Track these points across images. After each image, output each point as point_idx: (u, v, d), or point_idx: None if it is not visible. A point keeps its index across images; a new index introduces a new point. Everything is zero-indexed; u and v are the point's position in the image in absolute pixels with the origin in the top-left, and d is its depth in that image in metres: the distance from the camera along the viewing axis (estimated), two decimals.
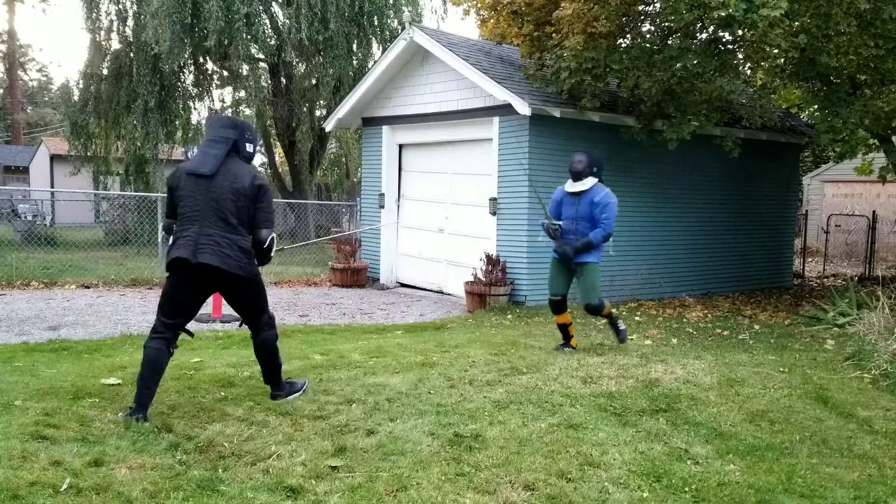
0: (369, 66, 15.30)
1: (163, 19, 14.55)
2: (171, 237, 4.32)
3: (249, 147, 4.41)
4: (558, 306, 6.35)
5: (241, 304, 4.45)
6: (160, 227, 12.24)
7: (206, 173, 4.18)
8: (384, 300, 10.54)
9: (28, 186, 29.23)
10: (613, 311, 6.69)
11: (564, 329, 6.49)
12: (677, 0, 7.91)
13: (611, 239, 6.29)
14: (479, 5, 10.83)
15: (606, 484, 3.46)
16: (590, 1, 8.74)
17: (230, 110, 21.65)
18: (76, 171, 19.11)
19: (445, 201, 11.06)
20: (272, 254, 4.39)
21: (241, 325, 4.67)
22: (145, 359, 4.17)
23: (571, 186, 6.27)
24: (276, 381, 4.64)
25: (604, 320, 6.92)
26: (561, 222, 6.24)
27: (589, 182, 6.19)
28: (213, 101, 19.37)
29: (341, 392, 4.78)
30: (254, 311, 4.47)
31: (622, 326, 6.68)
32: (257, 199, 4.26)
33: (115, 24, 17.49)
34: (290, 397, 4.61)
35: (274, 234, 4.36)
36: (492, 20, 10.67)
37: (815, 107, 10.11)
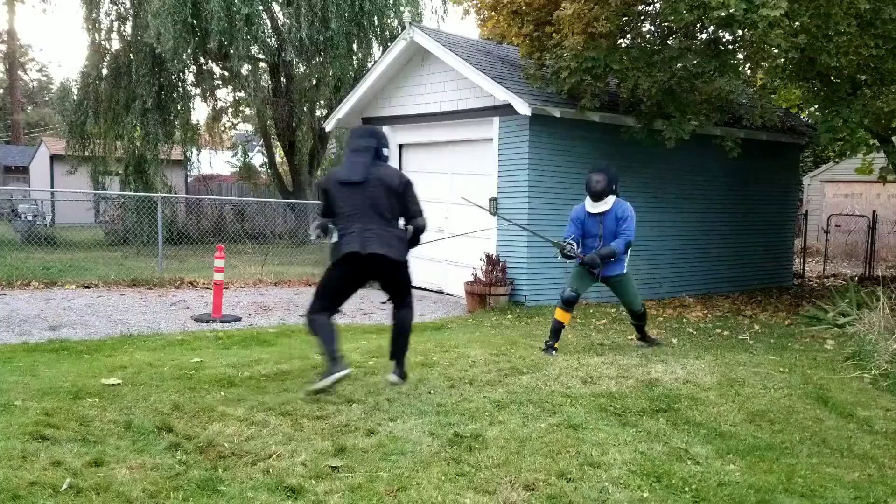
0: (369, 66, 15.30)
1: (164, 19, 14.56)
2: (336, 234, 4.94)
3: (386, 151, 5.08)
4: (570, 304, 6.38)
5: (397, 285, 5.12)
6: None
7: (358, 180, 4.82)
8: (384, 300, 10.53)
9: (28, 186, 29.22)
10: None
11: (559, 330, 6.43)
12: (677, 0, 7.91)
13: (631, 246, 6.35)
14: (479, 5, 10.82)
15: (606, 484, 3.46)
16: (590, 1, 8.74)
17: (230, 110, 21.67)
18: (73, 170, 19.11)
19: (446, 201, 11.05)
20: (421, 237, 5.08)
21: (385, 302, 5.31)
22: (320, 327, 4.88)
23: (593, 207, 6.30)
24: (400, 359, 5.13)
25: (638, 334, 6.99)
26: (570, 241, 6.32)
27: (610, 201, 6.25)
28: (213, 101, 19.39)
29: (341, 392, 4.78)
30: (405, 290, 5.16)
31: (653, 338, 7.00)
32: (406, 194, 4.94)
33: (115, 23, 17.49)
34: (396, 377, 5.05)
35: (427, 219, 5.06)
36: (492, 20, 10.66)
37: (815, 107, 10.11)
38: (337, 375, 4.69)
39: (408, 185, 4.97)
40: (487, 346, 6.58)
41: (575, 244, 6.32)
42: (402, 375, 5.10)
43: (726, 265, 12.04)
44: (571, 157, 10.03)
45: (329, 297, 5.01)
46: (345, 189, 4.84)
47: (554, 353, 6.27)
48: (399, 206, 4.91)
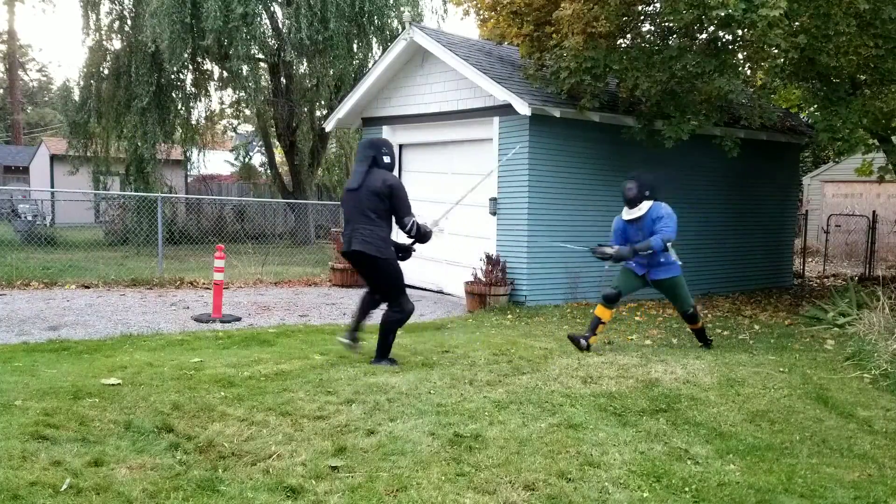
0: (369, 66, 15.29)
1: (161, 19, 14.55)
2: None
3: (386, 158, 5.57)
4: (610, 301, 6.42)
5: (378, 280, 5.60)
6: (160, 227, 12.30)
7: (354, 187, 5.47)
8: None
9: (28, 186, 29.23)
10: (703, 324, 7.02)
11: (596, 325, 6.46)
12: (677, 0, 7.91)
13: (671, 246, 6.35)
14: (478, 5, 10.82)
15: (606, 484, 3.46)
16: (590, 1, 8.74)
17: (230, 110, 21.65)
18: (74, 171, 19.11)
19: (445, 201, 11.02)
20: (423, 233, 5.54)
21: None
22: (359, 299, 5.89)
23: (628, 214, 6.37)
24: (380, 352, 5.64)
25: (699, 341, 7.00)
26: (600, 247, 6.42)
27: (645, 206, 6.29)
28: (212, 101, 19.39)
29: (341, 392, 4.78)
30: (389, 287, 5.59)
31: (710, 338, 7.01)
32: (391, 196, 5.38)
33: (115, 23, 17.49)
34: (381, 363, 5.58)
35: (415, 219, 5.46)
36: (492, 20, 10.66)
37: (815, 106, 10.10)
38: (341, 340, 5.87)
39: (392, 188, 5.41)
40: (487, 346, 6.58)
41: (613, 248, 6.37)
42: (380, 359, 5.62)
43: (726, 265, 12.03)
44: (571, 157, 10.03)
45: (365, 281, 5.87)
46: (346, 195, 5.56)
47: (584, 343, 6.30)
48: (389, 208, 5.43)
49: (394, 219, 5.52)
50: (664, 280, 6.46)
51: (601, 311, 6.46)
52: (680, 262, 6.53)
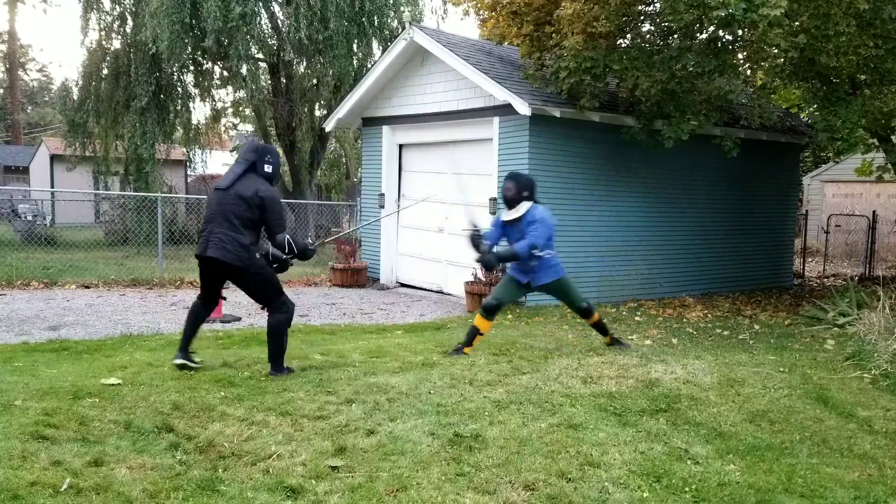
0: (369, 65, 15.30)
1: (161, 19, 14.54)
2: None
3: (268, 168, 5.22)
4: (489, 311, 6.16)
5: (248, 291, 5.31)
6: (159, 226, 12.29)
7: (223, 187, 5.12)
8: (384, 300, 10.54)
9: (28, 186, 29.22)
10: (603, 319, 6.69)
11: (474, 336, 6.22)
12: (677, 0, 7.91)
13: (547, 251, 6.05)
14: (478, 5, 10.82)
15: (606, 484, 3.46)
16: (590, 1, 8.74)
17: (230, 110, 21.62)
18: (72, 168, 19.12)
19: (445, 201, 11.05)
20: (301, 250, 5.22)
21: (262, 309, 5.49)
22: (189, 313, 5.43)
23: (507, 215, 6.14)
24: (275, 360, 5.30)
25: (599, 333, 6.77)
26: (482, 230, 6.09)
27: (523, 207, 6.04)
28: (212, 100, 19.38)
29: (341, 392, 4.78)
30: (260, 297, 5.32)
31: (625, 342, 6.75)
32: (262, 208, 5.03)
33: (115, 23, 17.48)
34: (281, 373, 5.25)
35: (288, 237, 5.15)
36: (491, 20, 10.67)
37: (815, 106, 10.11)
38: (175, 362, 5.25)
39: (264, 200, 5.03)
40: (487, 346, 6.58)
41: (488, 241, 6.07)
42: (279, 371, 5.26)
43: (726, 265, 12.03)
44: (571, 156, 10.03)
45: (202, 288, 5.45)
46: (212, 194, 5.22)
47: (461, 355, 6.06)
48: (256, 219, 5.06)
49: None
50: (550, 284, 6.19)
51: (480, 322, 6.19)
52: (562, 263, 6.26)
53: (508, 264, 6.39)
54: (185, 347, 5.32)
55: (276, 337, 5.29)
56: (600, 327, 6.65)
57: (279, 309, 5.29)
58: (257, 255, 5.10)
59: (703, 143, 10.21)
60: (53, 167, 27.17)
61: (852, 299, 8.54)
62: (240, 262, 5.02)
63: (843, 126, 8.67)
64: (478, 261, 6.16)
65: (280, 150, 21.40)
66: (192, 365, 5.28)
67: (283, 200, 17.56)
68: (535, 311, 9.21)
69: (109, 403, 4.35)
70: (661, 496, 3.38)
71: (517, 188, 6.05)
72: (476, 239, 6.06)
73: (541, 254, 6.02)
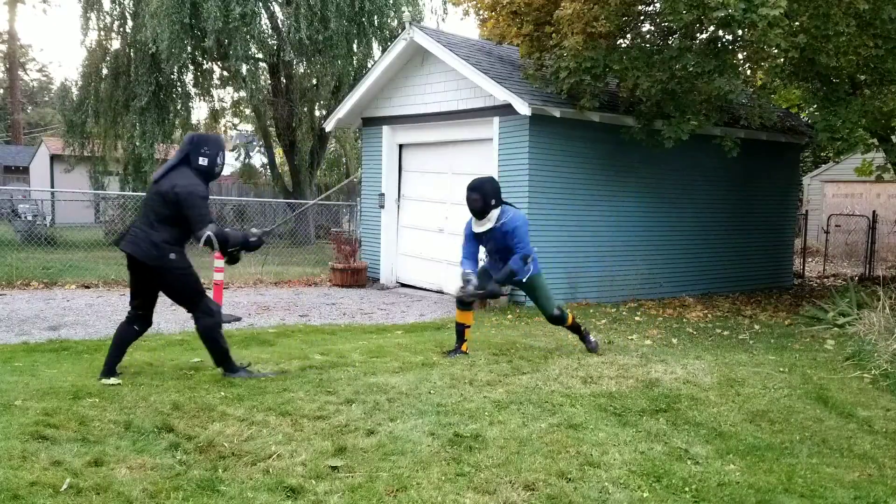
0: (369, 65, 15.30)
1: (161, 19, 14.55)
2: None
3: (203, 160, 4.89)
4: (465, 304, 6.08)
5: (166, 292, 5.05)
6: None
7: (154, 179, 4.91)
8: (384, 300, 10.54)
9: (28, 186, 29.22)
10: (578, 320, 6.46)
11: (463, 332, 6.16)
12: (676, 0, 7.91)
13: (531, 257, 5.94)
14: (478, 5, 10.83)
15: (606, 484, 3.46)
16: (590, 1, 8.74)
17: (230, 111, 21.62)
18: (70, 168, 19.12)
19: (445, 201, 11.05)
20: (238, 244, 4.98)
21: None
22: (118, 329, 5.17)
23: (478, 226, 5.93)
24: (222, 363, 5.12)
25: (571, 333, 6.55)
26: (469, 272, 5.94)
27: (494, 215, 5.86)
28: (212, 100, 19.40)
29: (341, 392, 4.78)
30: (179, 300, 5.10)
31: (592, 339, 6.45)
32: (178, 204, 4.74)
33: (115, 23, 17.49)
34: (237, 374, 5.07)
35: (208, 233, 4.76)
36: (491, 20, 10.67)
37: (815, 106, 10.12)
38: (103, 382, 4.83)
39: (178, 196, 4.72)
40: (487, 346, 6.58)
41: (474, 278, 5.91)
42: (233, 371, 5.09)
43: (726, 265, 12.04)
44: (571, 157, 10.03)
45: (131, 287, 5.17)
46: (149, 187, 5.02)
47: (460, 354, 6.02)
48: (175, 215, 4.78)
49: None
50: (523, 280, 6.02)
51: (461, 316, 6.12)
52: (538, 259, 6.12)
53: (484, 257, 6.28)
54: (111, 366, 4.99)
55: (212, 342, 5.07)
56: (577, 330, 6.39)
57: (204, 312, 5.03)
58: (172, 255, 4.81)
59: (703, 143, 10.21)
60: (53, 167, 27.19)
61: (852, 299, 8.54)
62: (149, 259, 4.78)
63: (843, 126, 8.68)
64: (485, 297, 6.16)
65: (280, 150, 21.42)
66: (118, 381, 4.87)
67: (283, 200, 17.43)
68: (535, 311, 9.19)
69: (109, 403, 4.35)
70: (661, 496, 3.38)
71: (483, 198, 5.80)
72: (471, 290, 5.89)
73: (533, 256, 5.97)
